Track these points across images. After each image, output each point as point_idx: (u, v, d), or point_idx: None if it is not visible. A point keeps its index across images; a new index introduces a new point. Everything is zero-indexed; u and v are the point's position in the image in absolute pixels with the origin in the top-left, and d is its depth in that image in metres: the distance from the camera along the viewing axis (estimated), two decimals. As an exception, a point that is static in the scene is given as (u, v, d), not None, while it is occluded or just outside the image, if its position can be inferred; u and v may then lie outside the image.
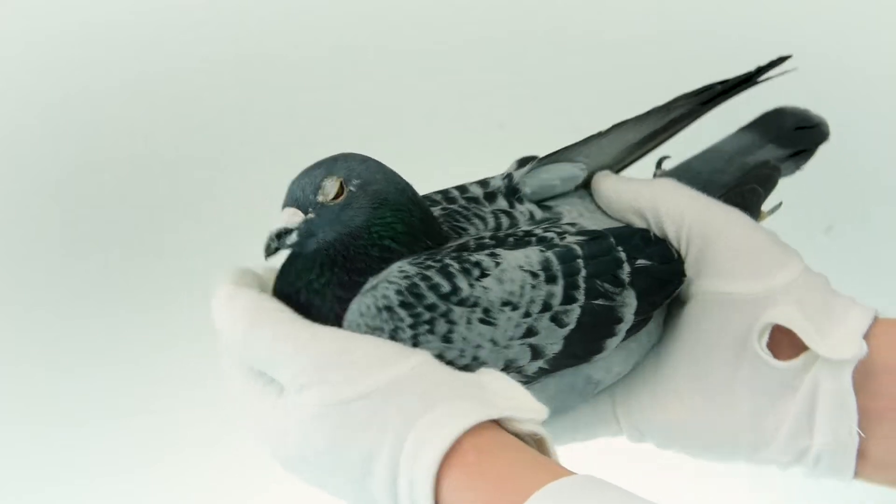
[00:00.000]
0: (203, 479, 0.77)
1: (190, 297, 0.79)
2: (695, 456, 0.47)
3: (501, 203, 0.48)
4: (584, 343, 0.44)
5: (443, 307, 0.41)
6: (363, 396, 0.38)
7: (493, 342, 0.42)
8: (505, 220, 0.47)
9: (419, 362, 0.40)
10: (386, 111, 0.82)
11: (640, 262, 0.46)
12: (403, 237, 0.43)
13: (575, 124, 0.83)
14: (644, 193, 0.48)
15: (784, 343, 0.45)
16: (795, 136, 0.55)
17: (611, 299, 0.44)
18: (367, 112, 0.81)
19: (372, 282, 0.42)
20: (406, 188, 0.45)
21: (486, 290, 0.42)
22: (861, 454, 0.44)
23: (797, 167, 0.56)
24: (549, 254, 0.44)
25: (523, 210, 0.48)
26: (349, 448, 0.39)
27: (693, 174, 0.53)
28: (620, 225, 0.49)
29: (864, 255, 0.77)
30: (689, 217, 0.47)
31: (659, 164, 0.56)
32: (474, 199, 0.48)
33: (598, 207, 0.51)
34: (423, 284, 0.41)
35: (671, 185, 0.49)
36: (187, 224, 0.80)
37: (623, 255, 0.45)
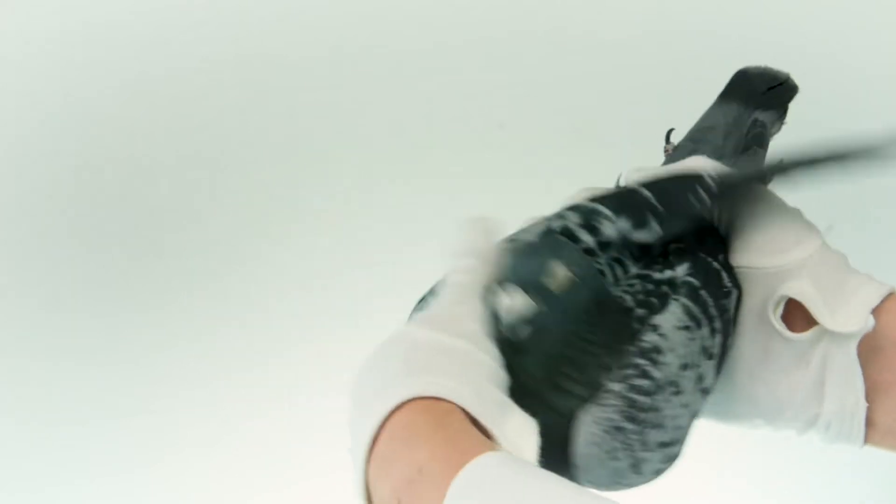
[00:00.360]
0: (203, 479, 0.77)
1: (190, 297, 0.79)
2: (718, 421, 0.49)
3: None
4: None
5: (652, 409, 0.43)
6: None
7: (685, 406, 0.44)
8: (619, 269, 0.47)
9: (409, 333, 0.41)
10: (386, 111, 0.82)
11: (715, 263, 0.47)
12: (612, 345, 0.43)
13: (575, 124, 0.84)
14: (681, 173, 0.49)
15: (798, 316, 0.46)
16: (771, 96, 0.56)
17: (727, 311, 0.46)
18: (367, 112, 0.81)
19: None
20: (602, 283, 0.45)
21: (668, 365, 0.43)
22: (870, 422, 0.46)
23: (781, 125, 0.57)
24: (684, 301, 0.45)
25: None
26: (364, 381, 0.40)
27: (708, 151, 0.54)
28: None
29: (865, 255, 0.77)
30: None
31: (668, 136, 0.57)
32: (589, 251, 0.47)
33: None
34: (643, 417, 0.43)
35: (703, 162, 0.50)
36: (187, 224, 0.80)
37: (718, 265, 0.47)
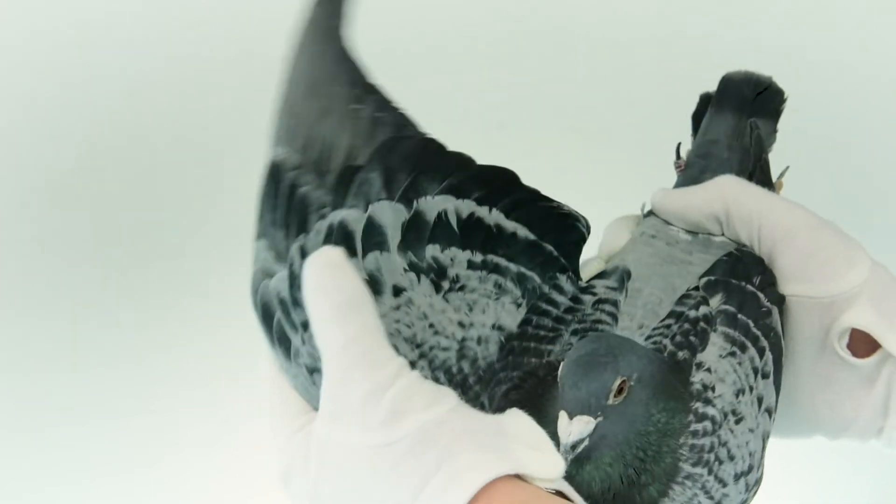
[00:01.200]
0: (203, 479, 0.77)
1: (190, 297, 0.79)
2: (777, 437, 0.48)
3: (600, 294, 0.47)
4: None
5: (718, 445, 0.42)
6: (389, 444, 0.38)
7: (751, 430, 0.43)
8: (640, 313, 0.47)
9: (446, 409, 0.39)
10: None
11: (749, 287, 0.47)
12: (675, 408, 0.42)
13: (575, 124, 0.84)
14: (715, 197, 0.49)
15: (860, 339, 0.46)
16: (761, 102, 0.56)
17: (771, 328, 0.46)
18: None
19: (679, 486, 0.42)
20: (654, 356, 0.43)
21: (721, 397, 0.43)
22: None
23: (775, 135, 0.57)
24: (722, 329, 0.45)
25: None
26: (366, 496, 0.38)
27: (716, 165, 0.54)
28: (715, 259, 0.49)
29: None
30: (756, 219, 0.48)
31: (678, 151, 0.57)
32: (609, 301, 0.47)
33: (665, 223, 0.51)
34: (709, 457, 0.42)
35: (735, 184, 0.50)
36: (187, 224, 0.80)
37: (753, 288, 0.46)
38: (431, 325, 0.43)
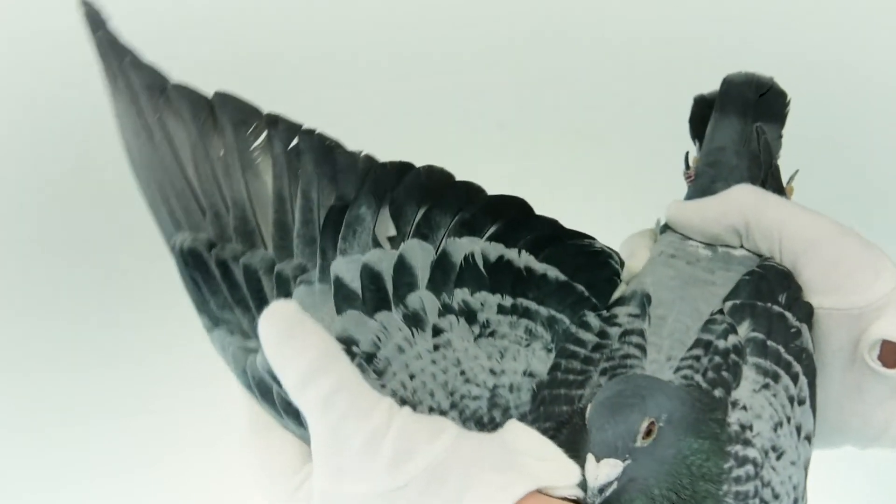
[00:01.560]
0: (203, 479, 0.77)
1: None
2: None
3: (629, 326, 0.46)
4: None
5: (762, 487, 0.41)
6: (402, 487, 0.37)
7: (793, 463, 0.42)
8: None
9: (451, 438, 0.38)
10: (386, 111, 0.82)
11: (776, 307, 0.46)
12: (710, 450, 0.41)
13: (575, 124, 0.84)
14: (733, 210, 0.48)
15: (888, 348, 0.45)
16: (765, 105, 0.55)
17: (802, 349, 0.45)
18: (366, 112, 0.81)
19: None
20: (685, 396, 0.42)
21: (760, 435, 0.42)
22: None
23: (781, 138, 0.56)
24: (753, 360, 0.43)
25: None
26: None
27: (726, 174, 0.53)
28: (738, 279, 0.47)
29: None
30: (777, 230, 0.47)
31: (686, 160, 0.56)
32: (634, 332, 0.46)
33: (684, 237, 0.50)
34: (752, 487, 0.41)
35: (752, 194, 0.48)
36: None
37: (780, 308, 0.45)
38: (463, 373, 0.43)
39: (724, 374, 0.43)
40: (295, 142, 0.47)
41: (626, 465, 0.39)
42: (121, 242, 0.79)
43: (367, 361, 0.42)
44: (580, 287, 0.45)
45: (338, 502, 0.38)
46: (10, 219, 0.79)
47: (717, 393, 0.42)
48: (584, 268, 0.46)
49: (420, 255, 0.43)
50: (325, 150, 0.47)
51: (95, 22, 0.50)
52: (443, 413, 0.41)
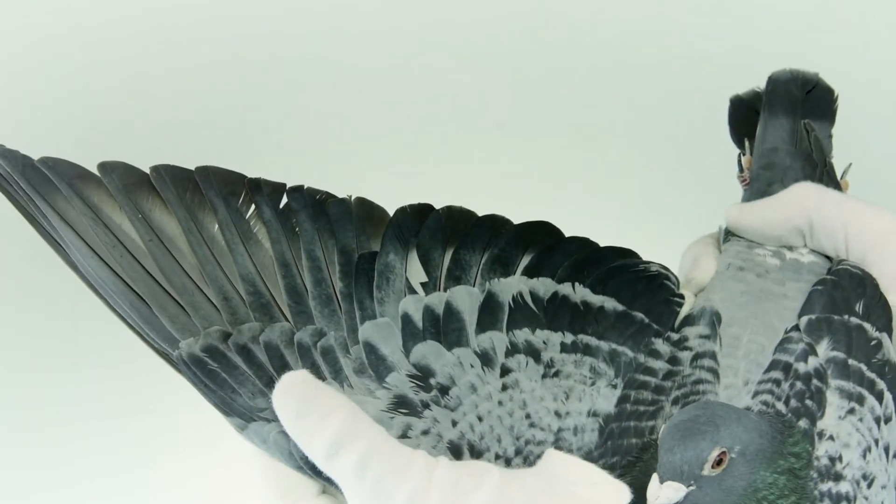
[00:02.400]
0: (203, 479, 0.77)
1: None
2: None
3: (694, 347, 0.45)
4: None
5: None
6: None
7: (884, 487, 0.41)
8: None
9: (497, 482, 0.37)
10: (386, 111, 0.82)
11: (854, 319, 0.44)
12: (786, 486, 0.39)
13: (575, 124, 0.83)
14: (795, 210, 0.47)
15: None
16: (813, 102, 0.54)
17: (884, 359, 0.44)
18: (366, 112, 0.81)
19: None
20: (765, 429, 0.40)
21: (849, 465, 0.40)
22: None
23: (831, 136, 0.55)
24: (835, 383, 0.42)
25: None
26: None
27: (781, 174, 0.52)
28: (810, 289, 0.46)
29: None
30: (842, 227, 0.46)
31: (740, 163, 0.55)
32: (706, 355, 0.44)
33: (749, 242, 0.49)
34: None
35: (814, 192, 0.48)
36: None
37: (857, 319, 0.44)
38: (528, 416, 0.42)
39: (809, 402, 0.42)
40: (283, 202, 0.46)
41: (690, 492, 0.38)
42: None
43: (442, 394, 0.41)
44: (639, 315, 0.44)
45: None
46: (9, 218, 0.79)
47: (803, 424, 0.41)
48: (642, 294, 0.45)
49: (467, 300, 0.43)
50: (316, 205, 0.46)
51: (15, 162, 0.48)
52: (508, 461, 0.41)
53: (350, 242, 0.45)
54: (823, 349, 0.43)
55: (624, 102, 0.82)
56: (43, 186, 0.47)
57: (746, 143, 0.56)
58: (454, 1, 0.82)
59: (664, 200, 0.77)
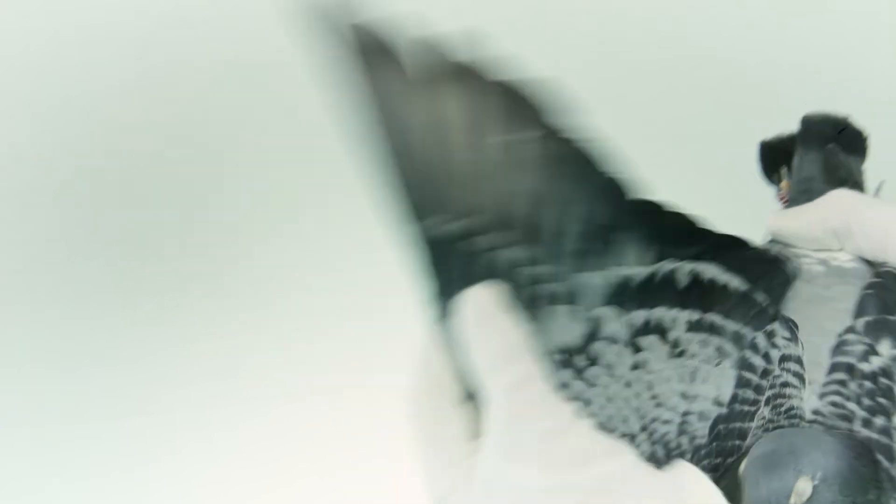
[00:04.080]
0: (203, 479, 0.77)
1: (189, 297, 0.79)
2: None
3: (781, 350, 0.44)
4: None
5: None
6: (569, 486, 0.37)
7: None
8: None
9: (628, 462, 0.38)
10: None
11: None
12: (876, 502, 0.39)
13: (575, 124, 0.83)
14: (832, 213, 0.47)
15: None
16: (844, 140, 0.56)
17: None
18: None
19: None
20: (841, 451, 0.39)
21: None
22: None
23: (862, 172, 0.57)
24: None
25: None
26: None
27: (817, 197, 0.52)
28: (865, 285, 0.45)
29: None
30: (880, 230, 0.46)
31: (779, 180, 0.57)
32: (792, 358, 0.44)
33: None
34: None
35: (850, 196, 0.48)
36: (187, 224, 0.80)
37: None
38: (654, 397, 0.41)
39: (881, 400, 0.41)
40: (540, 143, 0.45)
41: None
42: (121, 242, 0.79)
43: (590, 364, 0.41)
44: (761, 296, 0.44)
45: (502, 480, 0.38)
46: (9, 218, 0.79)
47: (879, 421, 0.40)
48: (765, 275, 0.44)
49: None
50: (585, 161, 0.46)
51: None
52: (632, 436, 0.41)
53: (597, 216, 0.45)
54: (886, 348, 0.43)
55: (624, 102, 0.82)
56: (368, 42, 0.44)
57: (784, 170, 0.58)
58: (454, 1, 0.82)
59: (664, 200, 0.77)
